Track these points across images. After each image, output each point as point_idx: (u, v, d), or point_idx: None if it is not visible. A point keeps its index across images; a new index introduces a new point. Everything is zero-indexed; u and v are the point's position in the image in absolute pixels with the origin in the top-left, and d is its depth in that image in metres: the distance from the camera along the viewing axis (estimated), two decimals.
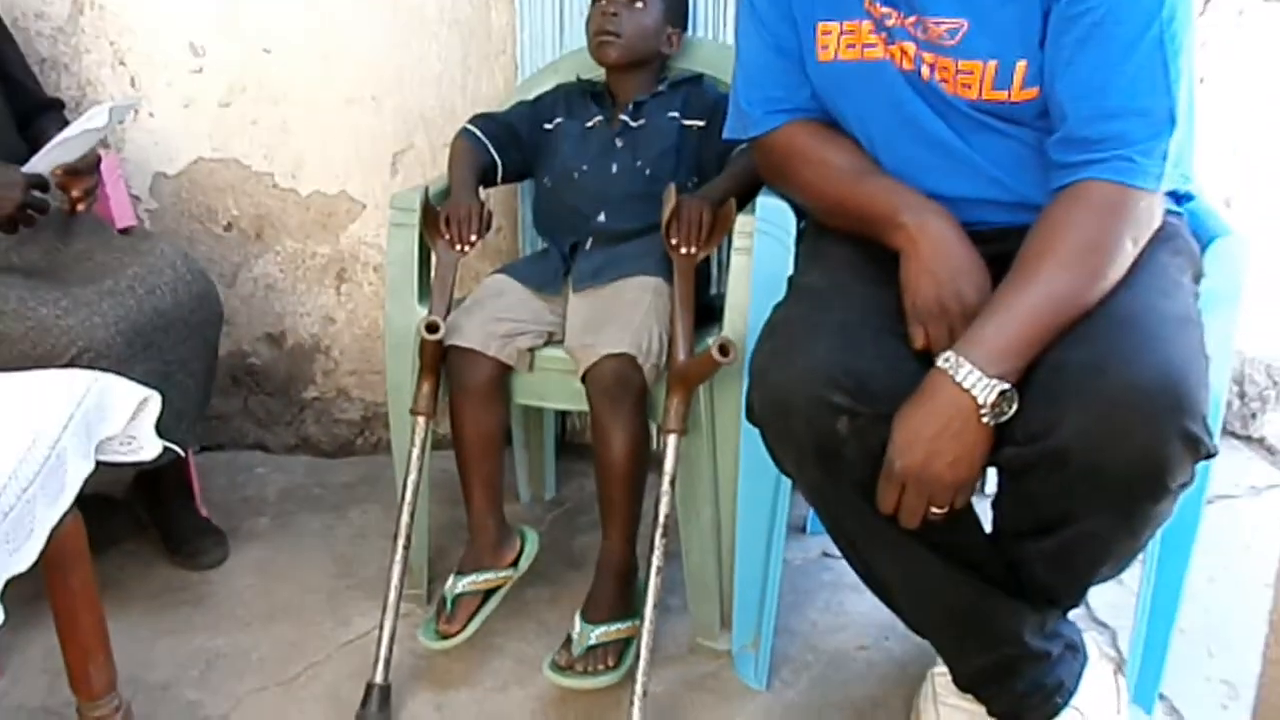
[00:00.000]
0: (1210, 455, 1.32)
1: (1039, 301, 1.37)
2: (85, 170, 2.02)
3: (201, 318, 2.07)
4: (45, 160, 1.94)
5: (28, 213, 1.90)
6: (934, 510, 1.38)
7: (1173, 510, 1.39)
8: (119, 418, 1.47)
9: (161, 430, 1.54)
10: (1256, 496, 2.43)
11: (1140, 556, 1.56)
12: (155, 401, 1.51)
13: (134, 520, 2.31)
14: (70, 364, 1.78)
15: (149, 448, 1.53)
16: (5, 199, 1.87)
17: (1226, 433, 2.64)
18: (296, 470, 2.62)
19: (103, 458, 1.46)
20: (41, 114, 2.22)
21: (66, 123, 2.19)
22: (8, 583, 1.26)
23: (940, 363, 1.37)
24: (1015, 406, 1.34)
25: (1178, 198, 1.62)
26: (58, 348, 1.81)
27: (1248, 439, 2.64)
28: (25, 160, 1.99)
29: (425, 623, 1.94)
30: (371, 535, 2.34)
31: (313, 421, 2.71)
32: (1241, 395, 2.62)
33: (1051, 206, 1.45)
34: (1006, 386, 1.34)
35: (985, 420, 1.34)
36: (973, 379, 1.34)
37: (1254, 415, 2.62)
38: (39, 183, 1.91)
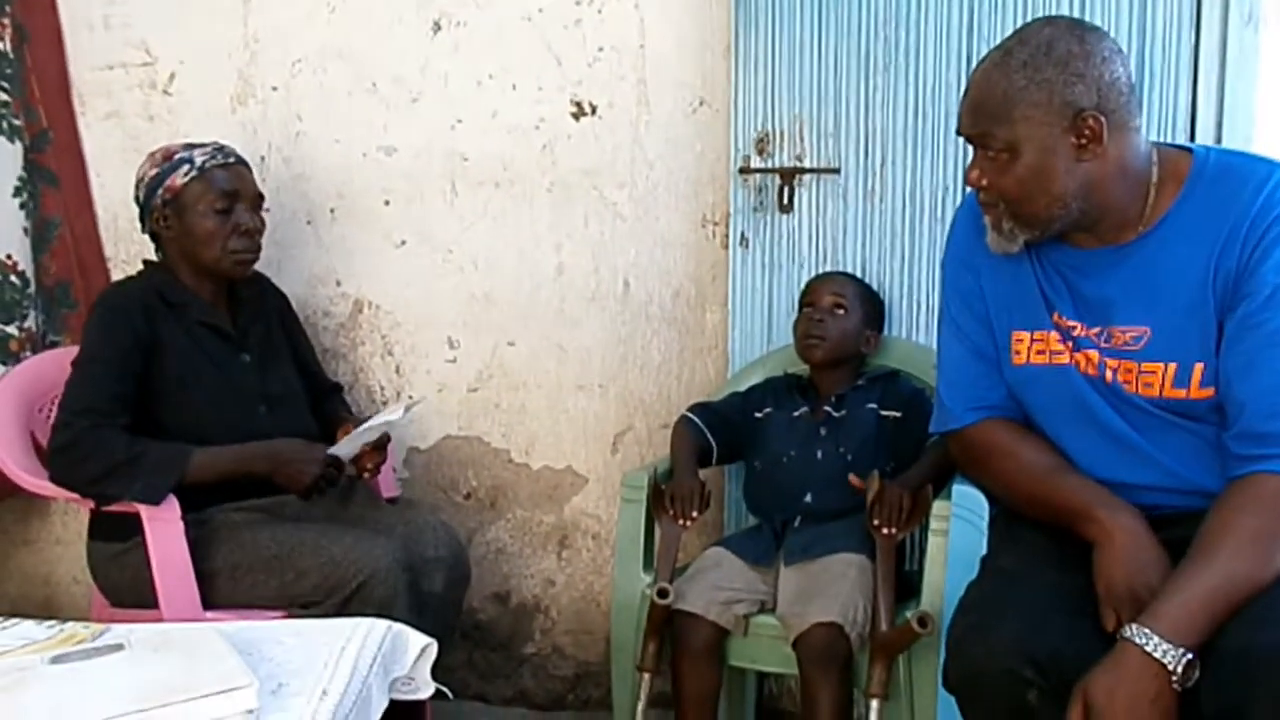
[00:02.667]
0: None
1: (1217, 583, 1.51)
2: (379, 447, 2.42)
3: (454, 575, 2.36)
4: (348, 446, 2.31)
5: (321, 484, 2.27)
6: None
7: None
8: (406, 661, 1.73)
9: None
10: None
11: None
12: (433, 649, 1.77)
13: None
14: (355, 592, 2.10)
15: (425, 689, 1.78)
16: (306, 472, 2.26)
17: None
18: None
19: (391, 695, 1.72)
20: (327, 397, 2.64)
21: (346, 404, 2.60)
22: None
23: (1129, 634, 1.49)
24: (1198, 673, 1.47)
25: None
26: (346, 577, 2.12)
27: None
28: (316, 434, 2.39)
29: None
30: None
31: (529, 676, 2.93)
32: None
33: (1227, 494, 1.60)
34: (1192, 655, 1.46)
35: (1176, 686, 1.46)
36: (1162, 649, 1.46)
37: None
38: (335, 462, 2.29)
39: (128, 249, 2.92)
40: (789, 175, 2.52)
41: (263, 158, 2.79)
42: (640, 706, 2.11)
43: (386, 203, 2.83)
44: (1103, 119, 1.63)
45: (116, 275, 2.91)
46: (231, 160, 2.38)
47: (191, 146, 2.36)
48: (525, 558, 2.92)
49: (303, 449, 2.30)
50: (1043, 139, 1.64)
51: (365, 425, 2.34)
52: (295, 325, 2.66)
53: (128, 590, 2.28)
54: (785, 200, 2.53)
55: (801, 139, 2.51)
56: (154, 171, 2.34)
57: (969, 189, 1.79)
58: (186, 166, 2.32)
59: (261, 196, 2.44)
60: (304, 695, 1.51)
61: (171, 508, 2.18)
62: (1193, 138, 2.28)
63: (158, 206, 2.33)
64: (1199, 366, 1.66)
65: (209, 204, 2.31)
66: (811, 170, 2.52)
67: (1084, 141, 1.64)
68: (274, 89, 2.83)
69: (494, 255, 2.79)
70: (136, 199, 2.38)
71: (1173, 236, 1.69)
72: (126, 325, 2.25)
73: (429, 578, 2.28)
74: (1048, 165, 1.66)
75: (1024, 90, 1.64)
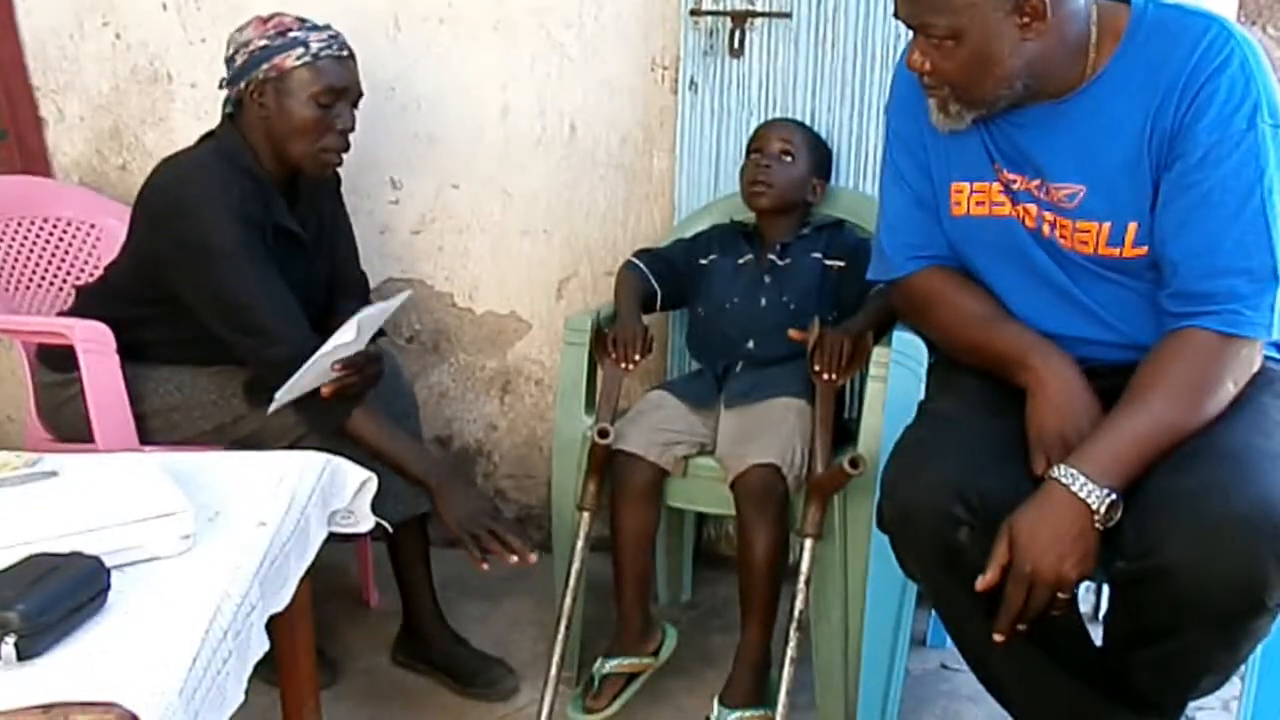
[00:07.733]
0: None
1: (1145, 427, 1.55)
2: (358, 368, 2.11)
3: (399, 408, 2.34)
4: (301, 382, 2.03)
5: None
6: (1060, 597, 1.53)
7: (1270, 627, 1.53)
8: (346, 494, 1.74)
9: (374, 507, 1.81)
10: None
11: (1241, 672, 1.70)
12: (373, 483, 1.78)
13: None
14: (296, 442, 2.09)
15: (364, 522, 1.79)
16: (478, 521, 2.09)
17: None
18: (455, 562, 2.80)
19: (331, 528, 1.73)
20: (348, 296, 2.43)
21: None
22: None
23: (1056, 474, 1.54)
24: (1121, 512, 1.52)
25: (1278, 344, 1.78)
26: (287, 426, 2.12)
27: None
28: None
29: (574, 698, 2.16)
30: (524, 623, 2.58)
31: None
32: None
33: (1161, 346, 1.62)
34: (1116, 496, 1.51)
35: (1098, 525, 1.51)
36: (1087, 489, 1.51)
37: None
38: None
39: (56, 78, 2.80)
40: (740, 18, 2.46)
41: None
42: (579, 546, 2.14)
43: None
44: None
45: (46, 107, 2.81)
46: (345, 54, 2.20)
47: (305, 26, 2.18)
48: (468, 402, 2.92)
49: (476, 499, 2.17)
50: (986, 24, 1.59)
51: (317, 354, 2.02)
52: (341, 212, 2.48)
53: (67, 423, 2.26)
54: (736, 44, 2.48)
55: None
56: (262, 43, 2.15)
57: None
58: (300, 50, 2.13)
59: (362, 94, 2.28)
60: (241, 524, 1.52)
61: (106, 340, 2.14)
62: None
63: (257, 81, 2.15)
64: (1133, 226, 1.67)
65: (314, 96, 2.14)
66: (764, 14, 2.46)
67: (1027, 20, 1.59)
68: None
69: (437, 94, 2.72)
70: (230, 59, 2.20)
71: (1108, 94, 1.67)
72: (259, 236, 2.12)
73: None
74: (993, 49, 1.61)
75: None
